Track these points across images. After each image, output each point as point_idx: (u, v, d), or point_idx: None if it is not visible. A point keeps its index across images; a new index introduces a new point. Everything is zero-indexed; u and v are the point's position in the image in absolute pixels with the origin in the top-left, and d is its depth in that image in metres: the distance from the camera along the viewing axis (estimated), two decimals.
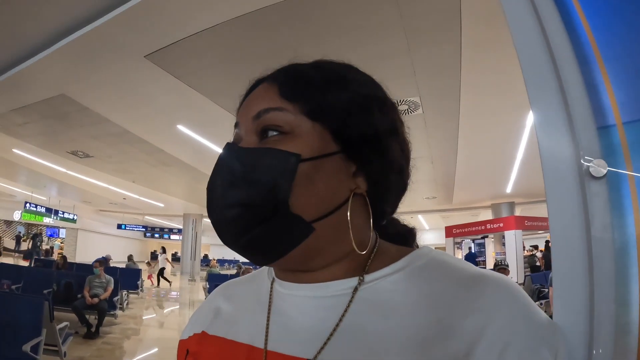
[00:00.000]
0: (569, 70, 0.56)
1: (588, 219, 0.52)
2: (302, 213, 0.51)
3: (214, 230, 0.57)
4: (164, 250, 19.08)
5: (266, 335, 0.56)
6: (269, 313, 0.59)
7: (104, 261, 8.19)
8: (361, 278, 0.55)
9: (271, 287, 0.62)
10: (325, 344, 0.51)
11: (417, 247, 0.64)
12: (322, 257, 0.56)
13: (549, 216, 0.56)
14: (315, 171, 0.52)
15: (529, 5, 0.60)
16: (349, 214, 0.54)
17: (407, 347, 0.47)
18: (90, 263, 11.20)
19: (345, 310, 0.53)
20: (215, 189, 0.54)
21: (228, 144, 0.57)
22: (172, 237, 31.40)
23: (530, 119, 6.81)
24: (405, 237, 0.67)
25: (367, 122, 0.56)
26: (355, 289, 0.54)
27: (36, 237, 17.88)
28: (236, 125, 0.60)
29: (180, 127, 8.15)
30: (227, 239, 0.55)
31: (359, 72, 0.62)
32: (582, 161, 0.53)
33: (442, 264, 0.55)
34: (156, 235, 32.72)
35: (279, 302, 0.59)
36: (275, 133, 0.54)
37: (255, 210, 0.51)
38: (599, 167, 0.52)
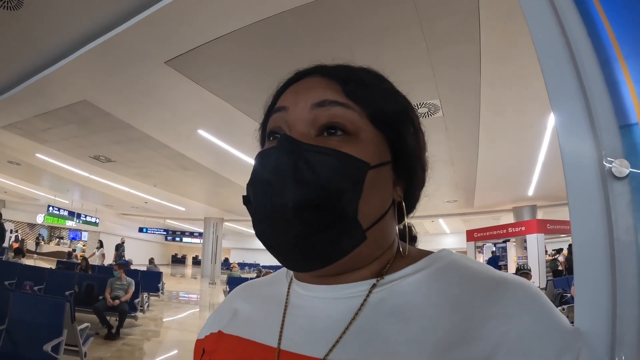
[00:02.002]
0: (589, 69, 0.55)
1: (611, 220, 0.51)
2: (362, 220, 0.52)
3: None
4: (101, 245, 19.03)
5: (280, 335, 0.56)
6: (284, 313, 0.59)
7: (123, 264, 8.28)
8: (378, 279, 0.55)
9: (289, 288, 0.63)
10: (335, 344, 0.50)
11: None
12: (359, 263, 0.56)
13: (571, 218, 0.54)
14: (375, 179, 0.53)
15: (548, 4, 0.59)
16: (389, 220, 0.58)
17: (423, 350, 0.46)
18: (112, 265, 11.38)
19: (358, 311, 0.52)
20: (275, 183, 0.50)
21: (289, 136, 0.53)
22: (193, 240, 31.63)
23: (552, 119, 6.70)
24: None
25: (413, 136, 0.59)
26: (371, 290, 0.54)
27: (120, 247, 17.74)
28: (280, 109, 0.58)
29: (201, 132, 8.23)
30: (279, 240, 0.52)
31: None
32: (604, 161, 0.52)
33: (462, 266, 0.54)
34: (177, 239, 33.01)
35: (295, 302, 0.60)
36: (338, 132, 0.54)
37: (323, 213, 0.49)
38: (621, 167, 0.51)
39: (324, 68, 0.60)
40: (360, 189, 0.51)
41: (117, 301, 7.24)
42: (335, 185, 0.50)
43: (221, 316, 0.68)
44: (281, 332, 0.56)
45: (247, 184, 0.55)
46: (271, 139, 0.59)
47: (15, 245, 20.48)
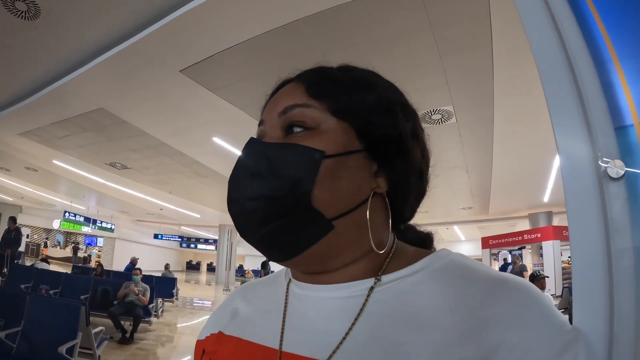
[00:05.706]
0: (585, 71, 0.56)
1: (607, 220, 0.51)
2: (323, 209, 0.52)
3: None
4: None
5: (281, 336, 0.56)
6: (284, 314, 0.59)
7: (140, 270, 8.36)
8: (377, 278, 0.55)
9: (287, 288, 0.63)
10: (339, 345, 0.50)
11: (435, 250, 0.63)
12: (341, 257, 0.56)
13: (568, 218, 0.55)
14: (338, 168, 0.53)
15: (544, 7, 0.60)
16: (368, 212, 0.55)
17: (424, 350, 0.46)
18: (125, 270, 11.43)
19: (360, 312, 0.52)
20: (237, 182, 0.55)
21: (252, 138, 0.58)
22: (208, 247, 31.67)
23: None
24: (424, 242, 0.67)
25: (391, 124, 0.58)
26: (371, 290, 0.54)
27: (266, 265, 16.29)
28: (261, 123, 0.61)
29: (216, 140, 8.28)
30: (246, 232, 0.55)
31: (383, 78, 0.64)
32: (599, 162, 0.53)
33: (461, 266, 0.54)
34: (192, 246, 33.07)
35: (295, 303, 0.60)
36: (300, 129, 0.55)
37: (277, 203, 0.51)
38: (616, 168, 0.51)
39: (299, 74, 0.64)
40: (314, 176, 0.52)
41: (131, 294, 7.36)
42: (285, 175, 0.52)
43: (221, 317, 0.69)
44: (282, 333, 0.56)
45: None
46: None
47: (45, 251, 20.79)
